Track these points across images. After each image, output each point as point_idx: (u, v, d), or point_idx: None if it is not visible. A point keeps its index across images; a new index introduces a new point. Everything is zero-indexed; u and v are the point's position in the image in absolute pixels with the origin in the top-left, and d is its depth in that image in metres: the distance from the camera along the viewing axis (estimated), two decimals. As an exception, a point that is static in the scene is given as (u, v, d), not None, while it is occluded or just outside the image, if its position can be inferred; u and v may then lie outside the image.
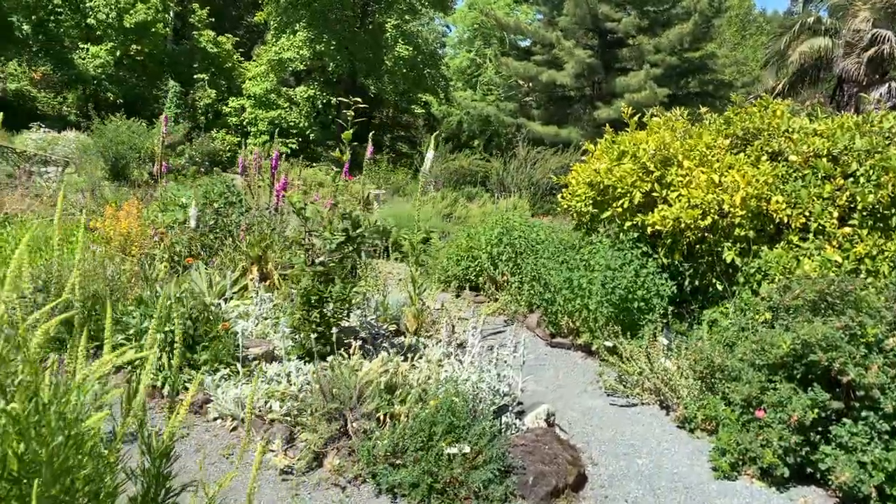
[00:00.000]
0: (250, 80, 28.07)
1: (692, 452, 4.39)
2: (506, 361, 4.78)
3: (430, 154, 6.17)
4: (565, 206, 7.20)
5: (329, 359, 4.61)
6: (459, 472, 3.44)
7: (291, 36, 26.94)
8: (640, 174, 6.40)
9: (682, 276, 6.39)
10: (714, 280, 6.17)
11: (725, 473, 4.08)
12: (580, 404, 5.12)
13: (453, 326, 5.98)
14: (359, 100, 4.48)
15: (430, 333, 5.98)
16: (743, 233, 5.87)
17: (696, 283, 6.34)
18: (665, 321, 5.98)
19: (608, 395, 5.30)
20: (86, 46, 26.12)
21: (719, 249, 6.09)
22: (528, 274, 7.06)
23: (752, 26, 41.66)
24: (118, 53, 25.89)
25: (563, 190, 7.33)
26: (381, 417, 3.88)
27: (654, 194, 6.34)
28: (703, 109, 7.48)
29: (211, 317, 4.57)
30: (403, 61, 27.06)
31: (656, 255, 6.31)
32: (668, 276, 6.21)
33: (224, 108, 27.71)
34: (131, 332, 4.31)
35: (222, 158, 22.13)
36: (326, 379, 4.04)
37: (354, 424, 3.80)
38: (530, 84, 27.88)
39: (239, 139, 26.68)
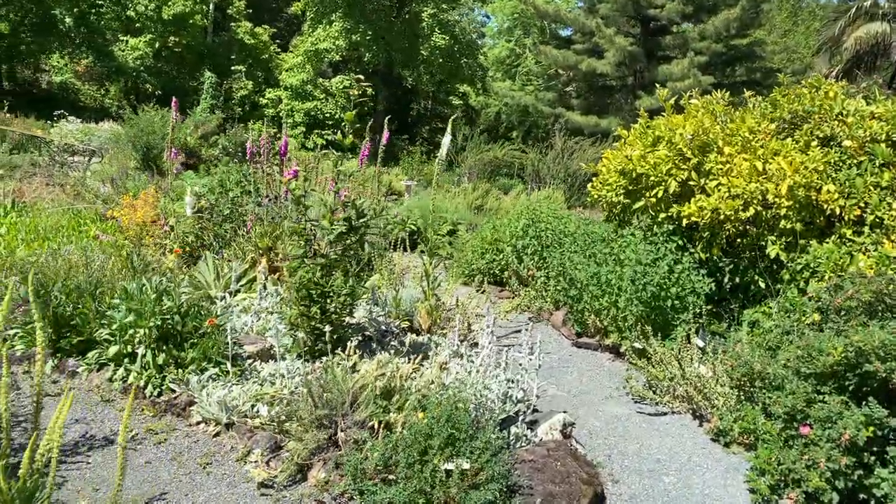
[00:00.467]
0: (287, 71, 28.01)
1: (726, 470, 3.91)
2: (521, 364, 4.36)
3: (446, 139, 5.77)
4: (595, 197, 6.72)
5: (324, 359, 4.27)
6: (455, 492, 3.05)
7: (327, 26, 26.76)
8: (676, 161, 5.90)
9: (721, 273, 5.87)
10: (756, 277, 5.64)
11: (764, 497, 3.60)
12: (604, 412, 4.67)
13: (469, 324, 5.59)
14: (361, 77, 4.18)
15: (445, 331, 5.59)
16: (789, 225, 5.33)
17: (737, 280, 5.81)
18: (701, 321, 5.49)
19: (635, 403, 4.84)
20: (125, 39, 26.40)
21: (762, 244, 5.56)
22: (555, 268, 6.61)
23: (804, 11, 40.01)
24: (157, 45, 26.09)
25: (594, 179, 6.85)
26: (376, 426, 3.51)
27: (691, 183, 5.83)
28: (748, 93, 6.89)
29: (202, 311, 4.26)
30: (439, 51, 26.64)
31: (693, 250, 5.81)
32: (705, 273, 5.70)
33: (261, 99, 27.70)
34: (115, 327, 4.02)
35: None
36: (318, 382, 3.69)
37: (344, 433, 3.44)
38: (570, 73, 27.19)
39: (275, 131, 26.69)
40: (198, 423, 3.74)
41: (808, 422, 3.68)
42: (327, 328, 4.05)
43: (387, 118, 6.66)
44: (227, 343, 3.99)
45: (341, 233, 4.37)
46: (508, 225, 7.70)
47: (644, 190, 6.11)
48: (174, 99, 6.98)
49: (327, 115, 27.04)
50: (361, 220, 4.51)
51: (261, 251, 6.16)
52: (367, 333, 5.03)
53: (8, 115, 17.08)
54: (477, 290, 8.00)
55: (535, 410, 4.23)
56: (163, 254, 6.92)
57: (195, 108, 23.79)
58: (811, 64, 27.24)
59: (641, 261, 5.59)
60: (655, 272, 5.48)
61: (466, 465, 3.16)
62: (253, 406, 3.73)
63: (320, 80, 27.91)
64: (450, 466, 3.11)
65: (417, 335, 5.53)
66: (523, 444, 3.69)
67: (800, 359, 3.95)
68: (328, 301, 4.48)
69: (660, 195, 5.92)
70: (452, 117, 6.54)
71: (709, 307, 5.72)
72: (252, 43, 28.56)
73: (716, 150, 5.87)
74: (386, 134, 7.13)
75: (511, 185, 18.15)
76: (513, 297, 7.38)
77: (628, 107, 24.23)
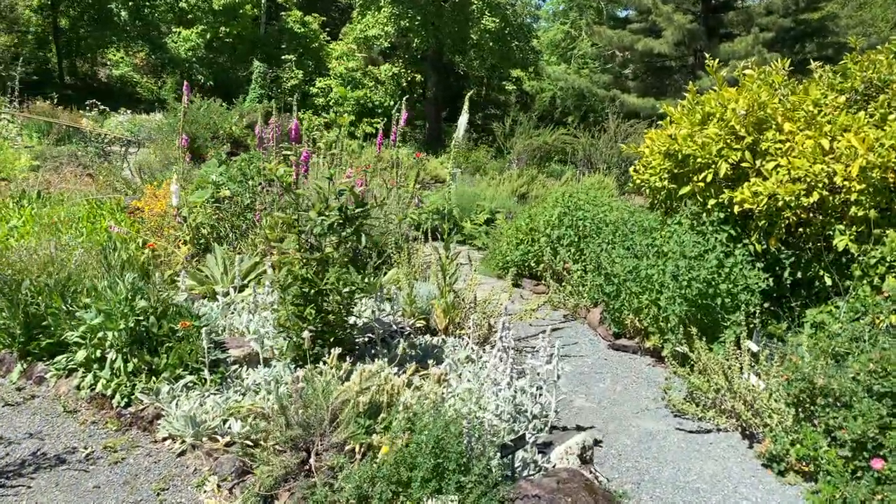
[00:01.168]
0: (336, 59, 27.78)
1: (780, 506, 3.29)
2: (539, 374, 3.81)
3: (462, 118, 5.22)
4: (637, 182, 6.06)
5: (320, 365, 3.82)
6: (437, 538, 2.54)
7: (376, 13, 26.35)
8: (728, 141, 5.20)
9: (780, 267, 5.16)
10: (821, 272, 4.92)
11: (825, 544, 2.97)
12: (638, 428, 4.08)
13: (490, 324, 5.05)
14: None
15: (464, 331, 5.07)
16: (861, 212, 4.59)
17: (798, 275, 5.09)
18: (755, 322, 4.81)
19: (675, 417, 4.22)
20: (178, 30, 26.61)
21: (829, 233, 4.83)
22: (592, 261, 5.99)
23: (882, -17, 37.45)
24: (208, 36, 26.21)
25: (637, 162, 6.19)
26: (357, 449, 3.03)
27: (745, 165, 5.12)
28: (815, 64, 6.06)
29: (183, 312, 3.85)
30: (489, 34, 25.85)
31: (747, 241, 5.11)
32: (761, 267, 5.01)
33: (311, 88, 27.54)
34: (83, 329, 3.65)
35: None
36: (298, 395, 3.22)
37: (319, 458, 2.97)
38: (626, 54, 26.07)
39: (324, 120, 26.53)
40: (163, 439, 3.33)
41: (881, 453, 3.02)
42: (305, 334, 3.57)
43: (404, 99, 6.14)
44: (205, 348, 3.56)
45: (333, 224, 3.89)
46: (542, 213, 7.09)
47: (691, 174, 5.43)
48: (185, 84, 6.63)
49: (376, 103, 26.69)
50: (359, 210, 4.02)
51: (269, 243, 5.75)
52: (370, 335, 4.55)
53: (58, 107, 17.27)
54: (512, 285, 7.44)
55: (552, 429, 3.68)
56: (177, 246, 6.63)
57: (244, 98, 23.81)
58: (890, 39, 25.39)
59: (686, 253, 4.93)
60: (702, 266, 4.83)
61: (454, 501, 2.65)
62: (225, 421, 3.29)
63: (370, 67, 27.58)
64: (433, 504, 2.60)
65: (434, 335, 5.03)
66: (531, 471, 3.15)
67: (872, 373, 3.29)
68: (324, 300, 4.02)
69: (709, 179, 5.23)
70: (469, 93, 5.98)
71: (766, 305, 5.04)
72: (302, 32, 28.41)
73: (774, 127, 5.15)
74: (404, 114, 6.65)
75: (561, 172, 17.41)
76: (548, 293, 6.79)
77: (688, 88, 23.05)
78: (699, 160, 5.25)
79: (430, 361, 4.13)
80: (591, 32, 26.08)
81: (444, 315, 4.97)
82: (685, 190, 5.43)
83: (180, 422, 3.22)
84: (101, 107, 18.54)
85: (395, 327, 4.98)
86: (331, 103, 27.28)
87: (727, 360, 4.34)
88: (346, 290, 3.97)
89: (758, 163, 5.08)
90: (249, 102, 23.46)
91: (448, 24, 25.93)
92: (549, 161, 19.90)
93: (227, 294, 5.20)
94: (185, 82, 6.60)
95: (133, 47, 27.54)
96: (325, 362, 3.63)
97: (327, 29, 30.12)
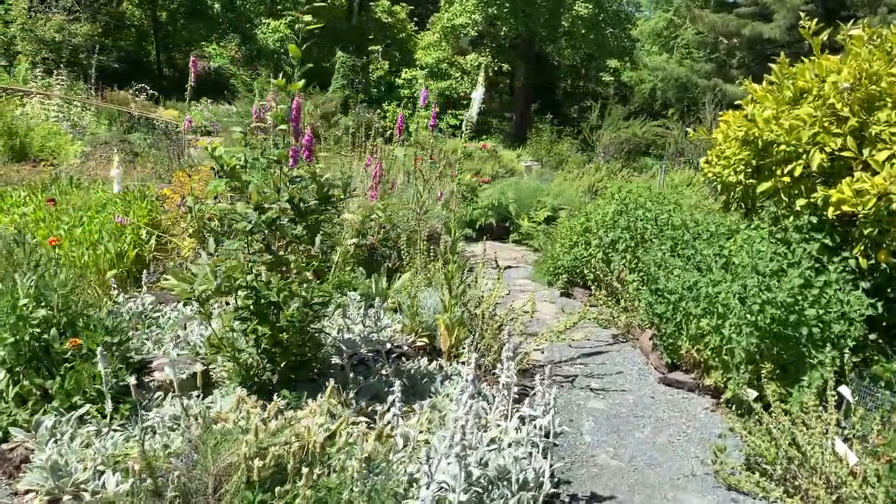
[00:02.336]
0: (422, 49, 27.19)
1: None
2: (534, 422, 2.86)
3: (477, 94, 4.27)
4: (709, 176, 4.92)
5: (276, 399, 3.03)
6: None
7: (464, 0, 25.53)
8: (825, 123, 4.00)
9: (892, 288, 3.93)
10: (950, 299, 3.67)
11: None
12: None
13: (500, 346, 4.09)
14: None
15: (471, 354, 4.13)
16: None
17: (917, 300, 3.86)
18: (855, 360, 3.65)
19: (729, 490, 3.15)
20: (267, 22, 26.80)
21: (962, 248, 3.58)
22: (647, 272, 4.91)
23: None
24: (296, 26, 26.25)
25: (709, 151, 5.04)
26: (242, 534, 2.19)
27: (847, 154, 3.92)
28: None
29: (93, 324, 3.14)
30: (582, 20, 24.43)
31: (846, 254, 3.92)
32: (865, 288, 3.82)
33: (396, 79, 27.08)
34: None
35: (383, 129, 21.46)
36: (191, 447, 2.43)
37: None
38: (732, 41, 24.03)
39: (409, 112, 26.00)
40: (26, 491, 2.61)
41: None
42: (241, 355, 2.77)
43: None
44: (103, 372, 2.82)
45: (274, 221, 3.07)
46: (594, 211, 6.03)
47: (774, 166, 4.26)
48: (192, 58, 6.02)
49: (461, 94, 25.92)
50: (314, 204, 3.18)
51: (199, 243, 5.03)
52: (337, 360, 3.70)
53: (131, 95, 17.48)
54: (561, 294, 6.43)
55: (548, 502, 2.72)
56: (182, 239, 6.07)
57: (327, 89, 23.58)
58: None
59: (760, 268, 3.81)
60: (783, 286, 3.69)
61: None
62: (101, 473, 2.54)
63: (456, 57, 26.81)
64: None
65: (437, 357, 4.14)
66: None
67: None
68: (277, 314, 3.21)
69: (797, 173, 4.06)
70: (483, 64, 5.03)
71: (872, 336, 3.86)
72: (389, 22, 27.99)
73: (889, 105, 3.91)
74: (424, 93, 5.77)
75: (650, 166, 16.00)
76: (600, 307, 5.75)
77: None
78: (785, 148, 4.09)
79: (424, 401, 3.25)
80: (692, 17, 24.18)
81: (449, 333, 4.06)
82: (765, 186, 4.27)
83: (38, 472, 2.50)
84: (186, 96, 18.76)
85: (389, 346, 4.12)
86: (416, 94, 26.70)
87: (805, 412, 3.22)
88: (297, 304, 3.14)
89: (864, 152, 3.87)
90: (331, 93, 23.21)
91: (538, 11, 24.71)
92: (638, 155, 18.48)
93: (206, 299, 4.50)
94: (192, 58, 6.00)
95: (225, 40, 27.99)
96: (285, 394, 2.83)
97: (415, 19, 29.57)
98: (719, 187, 4.84)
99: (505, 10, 24.58)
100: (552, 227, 8.22)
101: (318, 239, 3.20)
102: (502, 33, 25.48)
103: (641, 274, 5.16)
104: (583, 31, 24.73)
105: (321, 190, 3.26)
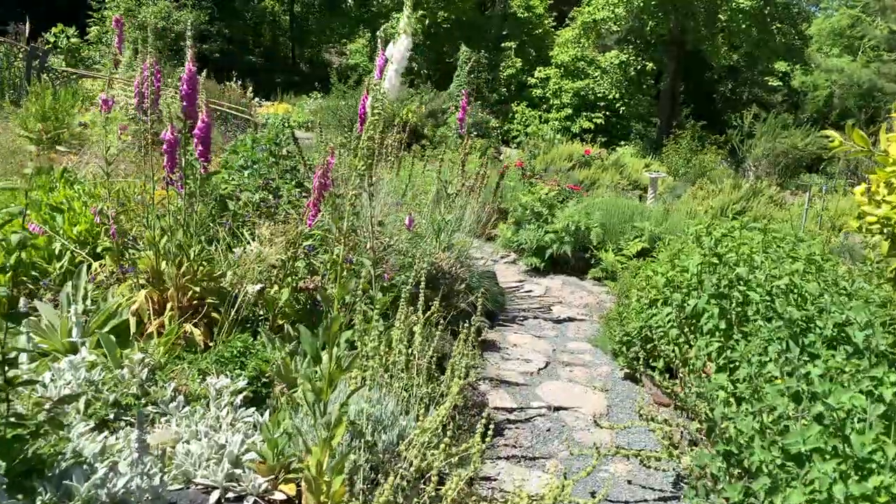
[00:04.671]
0: (559, 46, 25.07)
1: None
2: None
3: (400, 45, 2.37)
4: (868, 221, 2.71)
5: None
6: None
7: (607, -8, 23.16)
8: None
9: None
10: None
11: None
12: None
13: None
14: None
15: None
16: None
17: None
18: None
19: None
20: (398, 16, 25.86)
21: None
22: (747, 381, 2.76)
23: None
24: (426, 21, 25.08)
25: (870, 178, 2.84)
26: None
27: None
28: None
29: None
30: (743, 14, 21.16)
31: None
32: None
33: (529, 78, 25.13)
34: None
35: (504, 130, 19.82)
36: None
37: None
38: (934, 38, 19.88)
39: (539, 113, 24.00)
40: None
41: None
42: None
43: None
44: None
45: None
46: (665, 262, 3.88)
47: None
48: (190, 52, 4.67)
49: (599, 94, 23.52)
50: None
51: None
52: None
53: (233, 86, 16.89)
54: (625, 377, 4.35)
55: None
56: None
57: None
58: None
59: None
60: None
61: None
62: None
63: (595, 54, 24.43)
64: None
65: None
66: None
67: None
68: None
69: None
70: (407, 16, 3.07)
71: None
72: (526, 16, 26.08)
73: None
74: (465, 93, 3.92)
75: (809, 186, 13.00)
76: (673, 409, 3.65)
77: None
78: None
79: None
80: (882, 7, 20.24)
81: (315, 495, 2.17)
82: None
83: None
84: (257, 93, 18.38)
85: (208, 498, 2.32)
86: (548, 94, 24.66)
87: None
88: None
89: None
90: (453, 90, 21.75)
91: (690, 4, 21.78)
92: (799, 171, 15.36)
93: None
94: (190, 51, 4.64)
95: (355, 34, 27.48)
96: None
97: (554, 14, 27.44)
98: (885, 237, 2.62)
99: (652, 3, 21.90)
100: (644, 263, 6.04)
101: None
102: (648, 28, 22.78)
103: (735, 378, 2.98)
104: (742, 26, 21.48)
105: None
